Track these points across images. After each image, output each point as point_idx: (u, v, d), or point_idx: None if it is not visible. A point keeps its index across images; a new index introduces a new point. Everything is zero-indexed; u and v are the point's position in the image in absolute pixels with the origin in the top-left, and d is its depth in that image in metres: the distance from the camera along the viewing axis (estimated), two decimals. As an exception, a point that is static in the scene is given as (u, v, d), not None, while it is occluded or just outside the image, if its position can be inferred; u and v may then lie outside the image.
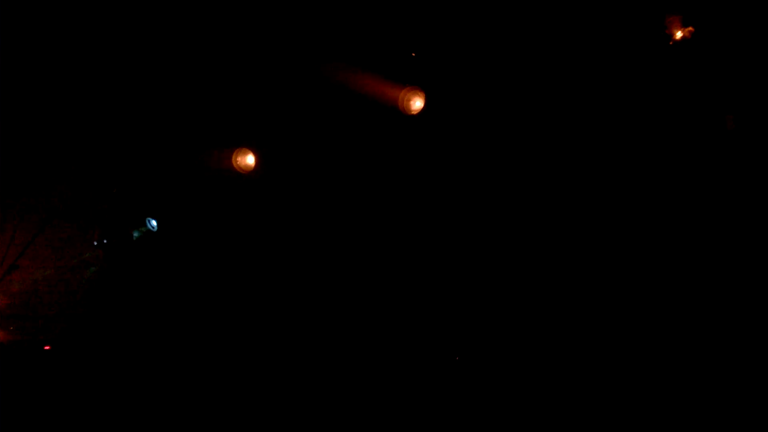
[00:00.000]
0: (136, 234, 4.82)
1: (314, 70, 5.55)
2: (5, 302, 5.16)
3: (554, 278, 5.08)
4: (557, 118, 5.07)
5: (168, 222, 6.36)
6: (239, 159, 6.20)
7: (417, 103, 5.49)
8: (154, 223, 6.28)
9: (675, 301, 4.65)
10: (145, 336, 5.34)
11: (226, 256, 6.37)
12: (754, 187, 4.45)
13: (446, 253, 5.61)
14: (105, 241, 4.48)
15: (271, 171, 6.15)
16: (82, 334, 4.88)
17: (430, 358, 5.37)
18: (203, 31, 5.38)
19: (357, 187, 5.93)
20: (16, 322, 4.63)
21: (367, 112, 5.63)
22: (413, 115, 5.49)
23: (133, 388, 4.50)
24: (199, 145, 6.21)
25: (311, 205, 6.13)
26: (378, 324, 5.71)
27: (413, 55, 5.44)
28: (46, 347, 4.31)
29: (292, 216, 6.22)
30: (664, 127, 4.69)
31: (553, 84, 4.99)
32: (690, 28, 4.52)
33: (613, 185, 4.91)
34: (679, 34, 4.55)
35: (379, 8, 5.21)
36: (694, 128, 4.59)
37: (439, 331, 5.50)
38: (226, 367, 6.06)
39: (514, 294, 5.24)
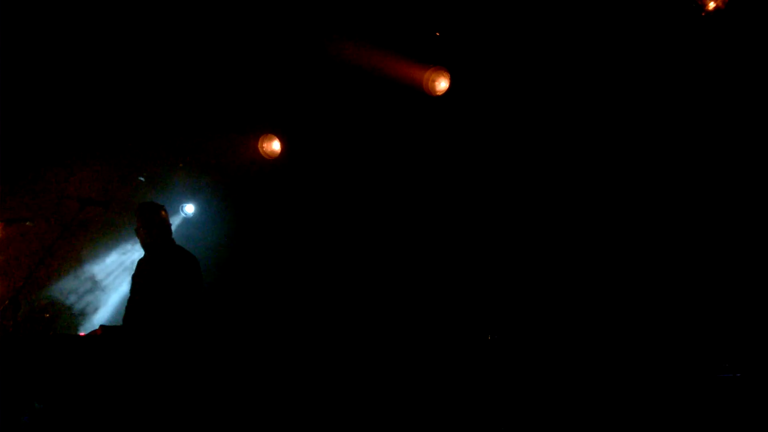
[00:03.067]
0: None
1: (337, 52, 5.50)
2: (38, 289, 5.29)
3: (583, 267, 4.98)
4: (587, 96, 4.94)
5: (201, 208, 6.45)
6: (265, 145, 6.23)
7: (442, 84, 5.43)
8: (189, 209, 6.36)
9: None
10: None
11: (255, 240, 6.42)
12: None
13: (472, 235, 5.54)
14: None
15: (297, 156, 6.16)
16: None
17: (452, 347, 5.34)
18: (227, 18, 5.36)
19: (383, 169, 5.90)
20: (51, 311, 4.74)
21: (392, 93, 5.58)
22: (438, 96, 5.44)
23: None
24: (227, 132, 6.25)
25: (337, 189, 6.12)
26: (410, 309, 5.69)
27: (437, 34, 5.36)
28: (81, 334, 4.38)
29: (319, 200, 6.22)
30: (698, 106, 4.53)
31: (582, 61, 4.86)
32: (724, -2, 4.36)
33: (645, 163, 4.77)
34: (712, 5, 4.39)
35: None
36: (730, 105, 4.42)
37: (465, 317, 5.45)
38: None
39: (541, 282, 5.15)
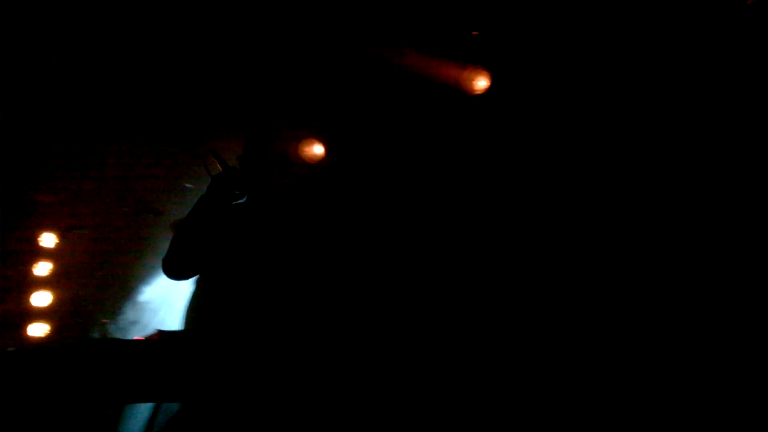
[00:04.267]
0: None
1: (375, 54, 5.54)
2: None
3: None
4: (630, 93, 4.85)
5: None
6: (306, 149, 6.31)
7: (481, 83, 5.43)
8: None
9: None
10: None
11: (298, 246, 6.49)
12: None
13: (515, 235, 5.50)
14: None
15: (339, 160, 6.22)
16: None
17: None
18: (261, 21, 5.44)
19: (425, 169, 5.91)
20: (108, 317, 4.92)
21: (430, 93, 5.60)
22: (478, 95, 5.44)
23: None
24: (268, 136, 6.34)
25: (379, 191, 6.15)
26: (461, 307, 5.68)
27: (475, 33, 5.36)
28: (138, 338, 4.55)
29: (362, 203, 6.26)
30: (745, 99, 4.42)
31: (625, 56, 4.78)
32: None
33: (697, 161, 4.66)
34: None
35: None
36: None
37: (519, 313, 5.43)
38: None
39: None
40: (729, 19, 4.36)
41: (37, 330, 5.90)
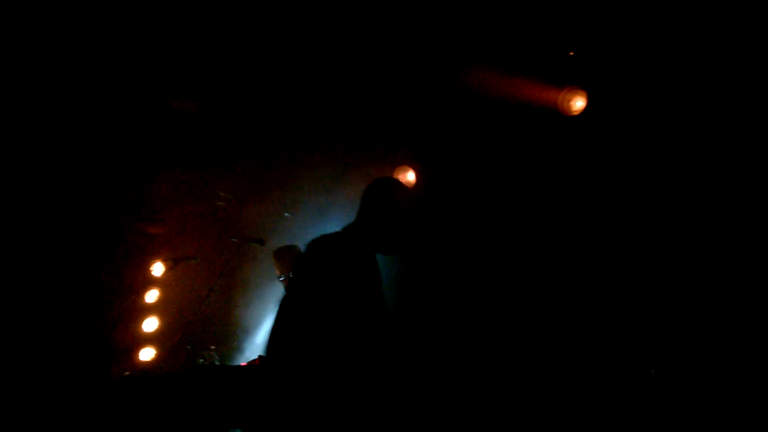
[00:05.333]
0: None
1: (468, 78, 5.52)
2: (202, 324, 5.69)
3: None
4: (723, 113, 4.62)
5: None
6: (401, 176, 6.36)
7: (578, 103, 5.31)
8: None
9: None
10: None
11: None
12: None
13: (608, 255, 5.32)
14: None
15: (433, 186, 6.22)
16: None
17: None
18: (355, 46, 5.51)
19: (521, 192, 5.82)
20: (215, 343, 5.07)
21: (526, 116, 5.52)
22: (575, 116, 5.32)
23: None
24: (361, 165, 6.45)
25: (476, 216, 6.10)
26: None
27: (571, 54, 5.26)
28: (243, 364, 4.66)
29: (459, 228, 6.23)
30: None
31: (721, 75, 4.55)
32: None
33: None
34: None
35: (531, 8, 5.07)
36: None
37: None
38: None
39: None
40: None
41: (147, 355, 6.18)
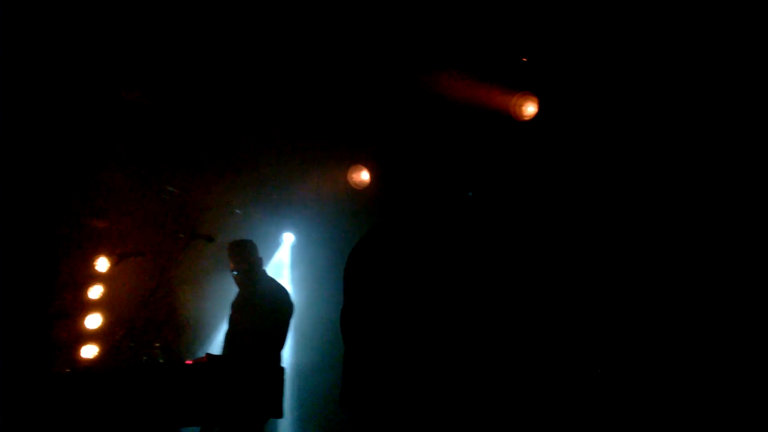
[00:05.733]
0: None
1: (422, 80, 5.57)
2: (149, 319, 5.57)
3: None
4: (679, 120, 4.78)
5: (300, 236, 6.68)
6: (354, 175, 6.37)
7: (530, 109, 5.40)
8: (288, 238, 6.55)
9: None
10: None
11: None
12: None
13: (559, 259, 5.44)
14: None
15: (385, 186, 6.24)
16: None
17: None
18: (311, 47, 5.50)
19: (472, 195, 5.89)
20: (160, 341, 4.98)
21: (478, 119, 5.59)
22: (526, 121, 5.41)
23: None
24: (315, 163, 6.43)
25: (426, 217, 6.14)
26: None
27: (524, 60, 5.35)
28: (188, 362, 4.58)
29: (408, 229, 6.25)
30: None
31: (676, 81, 4.71)
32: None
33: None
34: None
35: (487, 14, 5.14)
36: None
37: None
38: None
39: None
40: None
41: (89, 352, 6.02)
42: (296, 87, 5.82)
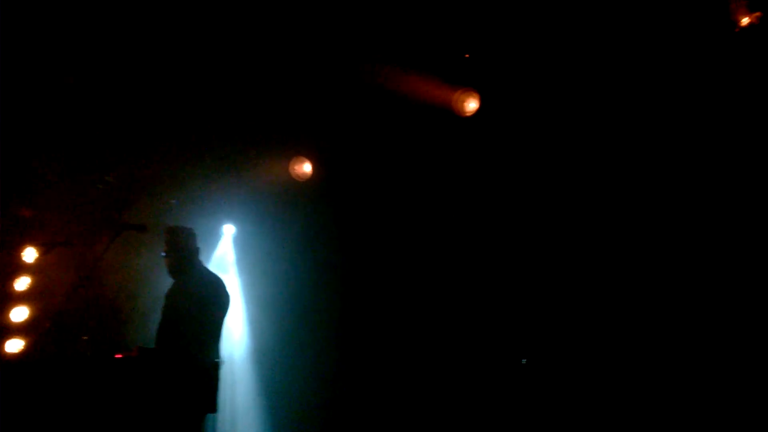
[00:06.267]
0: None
1: (367, 74, 5.55)
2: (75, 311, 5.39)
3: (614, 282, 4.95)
4: (616, 116, 4.91)
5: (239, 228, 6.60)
6: (296, 167, 6.31)
7: (471, 105, 5.45)
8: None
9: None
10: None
11: (287, 261, 6.49)
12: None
13: (497, 252, 5.53)
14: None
15: (327, 178, 6.22)
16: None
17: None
18: (258, 40, 5.44)
19: (412, 189, 5.92)
20: (87, 333, 4.82)
21: (421, 114, 5.62)
22: (468, 117, 5.46)
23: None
24: (257, 155, 6.35)
25: (368, 209, 6.16)
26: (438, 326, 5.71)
27: (467, 56, 5.39)
28: (118, 355, 4.44)
29: (349, 221, 6.27)
30: (730, 118, 4.47)
31: (613, 80, 4.84)
32: (758, 13, 4.31)
33: (678, 183, 4.72)
34: (745, 20, 4.34)
35: (431, 10, 5.16)
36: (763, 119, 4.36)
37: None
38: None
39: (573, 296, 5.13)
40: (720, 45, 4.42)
41: (14, 346, 5.79)
42: (239, 77, 5.75)
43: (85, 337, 4.70)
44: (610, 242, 4.97)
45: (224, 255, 6.86)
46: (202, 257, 4.72)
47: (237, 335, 6.75)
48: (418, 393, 5.66)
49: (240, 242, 6.84)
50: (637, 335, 4.72)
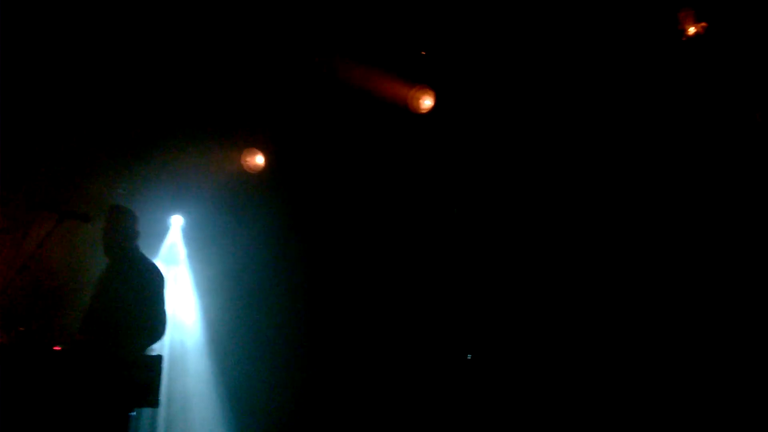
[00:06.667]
0: None
1: (324, 68, 5.53)
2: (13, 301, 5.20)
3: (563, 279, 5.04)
4: (566, 116, 5.01)
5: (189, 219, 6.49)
6: (249, 159, 6.23)
7: (427, 102, 5.47)
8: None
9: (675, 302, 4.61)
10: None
11: (240, 252, 6.41)
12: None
13: (452, 251, 5.58)
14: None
15: (280, 170, 6.17)
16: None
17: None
18: (211, 31, 5.36)
19: (366, 184, 5.92)
20: (24, 324, 4.65)
21: (376, 110, 5.62)
22: (423, 114, 5.48)
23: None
24: (210, 146, 6.24)
25: (320, 202, 6.14)
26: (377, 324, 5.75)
27: (423, 53, 5.40)
28: (56, 348, 4.29)
29: (302, 213, 6.24)
30: (676, 125, 4.61)
31: (563, 81, 4.93)
32: (703, 24, 4.44)
33: (622, 186, 4.85)
34: (692, 30, 4.47)
35: (389, 7, 5.17)
36: (708, 126, 4.51)
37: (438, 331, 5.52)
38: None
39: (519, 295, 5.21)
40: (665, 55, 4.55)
41: (-53, 337, 5.53)
42: (193, 66, 5.65)
43: (21, 329, 4.54)
44: (555, 237, 5.07)
45: (173, 245, 6.73)
46: (149, 246, 4.61)
47: (189, 326, 6.65)
48: (375, 379, 5.70)
49: (190, 233, 6.73)
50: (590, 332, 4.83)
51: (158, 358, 4.38)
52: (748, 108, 4.39)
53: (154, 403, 4.35)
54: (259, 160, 6.23)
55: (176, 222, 6.69)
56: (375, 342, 5.76)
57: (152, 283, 4.38)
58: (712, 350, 4.37)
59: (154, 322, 4.30)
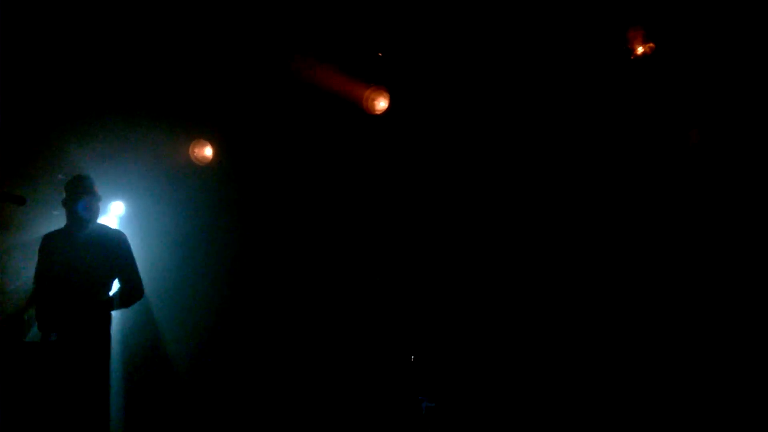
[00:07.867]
0: None
1: (279, 64, 5.48)
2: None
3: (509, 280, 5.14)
4: (518, 124, 5.11)
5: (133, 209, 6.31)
6: (197, 150, 6.10)
7: (381, 103, 5.48)
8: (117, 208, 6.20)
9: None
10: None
11: (186, 245, 6.28)
12: (719, 200, 4.48)
13: (405, 254, 5.61)
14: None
15: (229, 163, 6.08)
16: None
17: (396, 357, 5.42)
18: (165, 23, 5.27)
19: (316, 183, 5.89)
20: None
21: (330, 109, 5.60)
22: (377, 115, 5.49)
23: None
24: (158, 137, 6.10)
25: (268, 199, 6.08)
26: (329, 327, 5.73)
27: (380, 54, 5.42)
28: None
29: (249, 209, 6.16)
30: (624, 142, 4.77)
31: (515, 91, 5.04)
32: (651, 44, 4.61)
33: (571, 201, 4.98)
34: (640, 50, 4.64)
35: (346, 7, 5.17)
36: (655, 143, 4.67)
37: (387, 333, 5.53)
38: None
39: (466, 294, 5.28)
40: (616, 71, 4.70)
41: None
42: (143, 55, 5.55)
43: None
44: (508, 238, 5.17)
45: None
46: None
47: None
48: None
49: (129, 221, 6.51)
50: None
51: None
52: (687, 125, 4.58)
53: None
54: (207, 152, 6.12)
55: (116, 209, 6.47)
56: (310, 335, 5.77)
57: (130, 248, 4.54)
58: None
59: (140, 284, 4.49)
